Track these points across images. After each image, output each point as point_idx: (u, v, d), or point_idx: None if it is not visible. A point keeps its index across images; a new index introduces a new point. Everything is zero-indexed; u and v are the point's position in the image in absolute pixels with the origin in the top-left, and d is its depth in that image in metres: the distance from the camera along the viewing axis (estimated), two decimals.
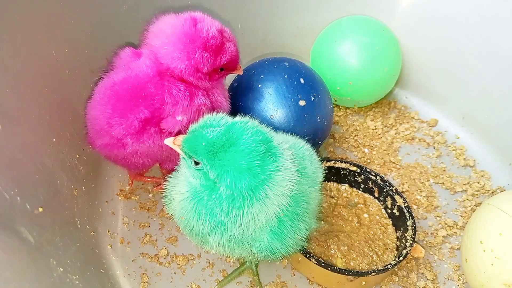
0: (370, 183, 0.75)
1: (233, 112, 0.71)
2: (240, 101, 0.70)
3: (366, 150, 0.86)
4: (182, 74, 0.58)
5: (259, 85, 0.69)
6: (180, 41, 0.57)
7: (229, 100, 0.67)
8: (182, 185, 0.52)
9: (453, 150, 0.88)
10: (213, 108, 0.63)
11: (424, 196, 0.79)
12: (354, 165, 0.75)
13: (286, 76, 0.69)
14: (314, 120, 0.71)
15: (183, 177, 0.52)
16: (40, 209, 0.52)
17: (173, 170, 0.56)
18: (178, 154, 0.51)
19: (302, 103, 0.69)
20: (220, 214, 0.48)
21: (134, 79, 0.58)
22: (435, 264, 0.71)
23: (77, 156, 0.67)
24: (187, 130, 0.50)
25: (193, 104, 0.59)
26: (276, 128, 0.68)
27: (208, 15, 0.60)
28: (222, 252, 0.54)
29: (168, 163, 0.67)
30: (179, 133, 0.60)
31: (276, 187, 0.47)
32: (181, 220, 0.53)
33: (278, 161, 0.48)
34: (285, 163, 0.49)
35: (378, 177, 0.74)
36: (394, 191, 0.72)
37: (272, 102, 0.68)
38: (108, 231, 0.69)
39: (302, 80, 0.70)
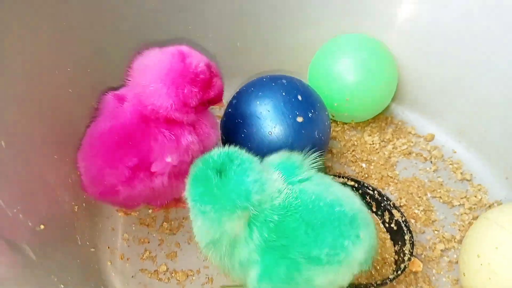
0: (367, 197, 0.75)
1: (233, 129, 0.72)
2: (239, 118, 0.71)
3: (363, 165, 0.87)
4: (168, 112, 0.58)
5: (258, 102, 0.70)
6: (169, 76, 0.56)
7: (217, 128, 0.68)
8: None
9: (450, 164, 0.88)
10: (202, 141, 0.63)
11: (421, 210, 0.80)
12: (352, 179, 0.76)
13: (284, 93, 0.71)
14: (312, 136, 0.72)
15: None
16: (42, 226, 0.53)
17: (162, 206, 0.57)
18: (168, 192, 0.54)
19: (300, 119, 0.70)
20: None
21: (120, 128, 0.58)
22: (433, 278, 0.71)
23: (78, 173, 0.68)
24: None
25: (180, 145, 0.60)
26: (275, 144, 0.69)
27: (194, 48, 0.60)
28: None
29: (157, 201, 0.67)
30: (171, 172, 0.61)
31: None
32: None
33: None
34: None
35: (375, 192, 0.74)
36: (392, 205, 0.72)
37: (271, 119, 0.69)
38: (108, 247, 0.70)
39: (300, 97, 0.71)
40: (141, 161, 0.58)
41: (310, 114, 0.71)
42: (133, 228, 0.74)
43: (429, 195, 0.83)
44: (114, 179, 0.58)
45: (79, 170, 0.62)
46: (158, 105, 0.57)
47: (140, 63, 0.59)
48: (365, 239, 0.51)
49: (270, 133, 0.69)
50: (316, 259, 0.49)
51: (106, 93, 0.63)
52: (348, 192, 0.56)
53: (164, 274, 0.68)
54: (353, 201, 0.54)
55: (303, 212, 0.50)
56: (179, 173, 0.61)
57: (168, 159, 0.59)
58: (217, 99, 0.63)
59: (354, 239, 0.50)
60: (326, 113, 0.76)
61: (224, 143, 0.76)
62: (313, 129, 0.72)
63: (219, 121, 0.72)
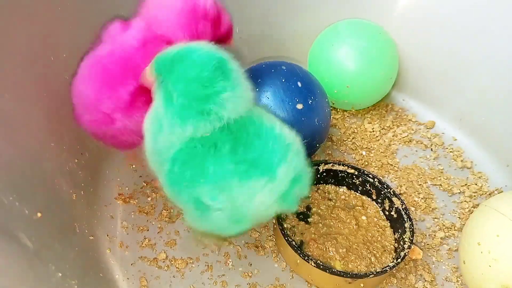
0: (368, 185, 0.75)
1: None
2: None
3: (363, 153, 0.87)
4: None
5: (257, 89, 0.69)
6: (183, 11, 0.58)
7: None
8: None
9: (450, 152, 0.88)
10: None
11: (421, 198, 0.79)
12: (352, 167, 0.75)
13: (283, 80, 0.70)
14: (312, 123, 0.71)
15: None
16: (39, 214, 0.52)
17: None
18: None
19: (299, 106, 0.69)
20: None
21: (120, 52, 0.58)
22: (433, 265, 0.71)
23: (76, 160, 0.67)
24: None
25: None
26: None
27: None
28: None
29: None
30: None
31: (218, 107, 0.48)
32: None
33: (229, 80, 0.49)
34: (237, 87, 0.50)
35: (375, 179, 0.74)
36: (392, 193, 0.72)
37: (270, 106, 0.69)
38: (107, 235, 0.69)
39: (299, 84, 0.70)
40: (140, 86, 0.57)
41: (310, 101, 0.70)
42: (132, 216, 0.74)
43: (429, 182, 0.82)
44: (112, 104, 0.56)
45: (73, 99, 0.59)
46: (170, 35, 0.59)
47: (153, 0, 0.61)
48: (292, 163, 0.51)
49: None
50: (243, 162, 0.49)
51: (112, 21, 0.62)
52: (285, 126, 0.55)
53: (164, 261, 0.68)
54: (290, 132, 0.54)
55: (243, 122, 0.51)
56: None
57: None
58: (227, 37, 0.65)
59: (282, 158, 0.50)
60: (326, 100, 0.75)
61: None
62: (313, 116, 0.71)
63: None
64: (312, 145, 0.72)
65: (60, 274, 0.50)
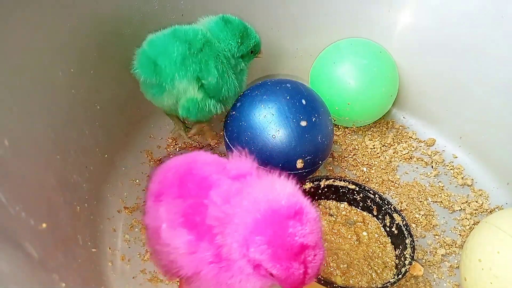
0: (368, 201, 0.75)
1: (236, 131, 0.73)
2: (243, 120, 0.72)
3: (364, 169, 0.87)
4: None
5: (262, 105, 0.71)
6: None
7: None
8: None
9: (451, 169, 0.89)
10: None
11: (422, 215, 0.80)
12: (353, 183, 0.76)
13: (288, 97, 0.71)
14: (315, 140, 0.72)
15: None
16: (44, 225, 0.53)
17: None
18: None
19: (303, 123, 0.70)
20: None
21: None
22: (434, 282, 0.71)
23: (80, 173, 0.68)
24: None
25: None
26: (278, 148, 0.69)
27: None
28: None
29: None
30: None
31: None
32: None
33: None
34: None
35: (376, 196, 0.74)
36: (393, 209, 0.72)
37: (274, 122, 0.70)
38: (109, 248, 0.70)
39: (303, 101, 0.71)
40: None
41: (313, 119, 0.71)
42: (135, 229, 0.74)
43: (430, 199, 0.83)
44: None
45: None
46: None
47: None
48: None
49: (273, 136, 0.69)
50: None
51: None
52: None
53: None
54: None
55: None
56: None
57: None
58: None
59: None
60: (330, 118, 0.77)
61: (227, 146, 0.76)
62: (317, 133, 0.72)
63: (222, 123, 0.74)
64: (314, 162, 0.73)
65: (64, 285, 0.50)
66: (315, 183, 0.75)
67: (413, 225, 0.78)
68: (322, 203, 0.78)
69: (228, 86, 0.72)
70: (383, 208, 0.74)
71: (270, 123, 0.70)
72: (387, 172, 0.87)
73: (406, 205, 0.81)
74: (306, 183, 0.74)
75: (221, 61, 0.71)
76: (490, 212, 0.81)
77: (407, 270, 0.64)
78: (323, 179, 0.76)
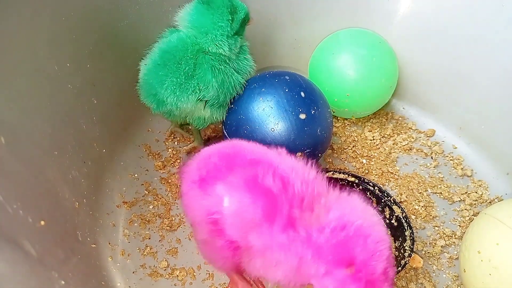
0: (368, 193, 0.75)
1: (235, 125, 0.72)
2: (242, 113, 0.71)
3: (364, 161, 0.87)
4: None
5: (260, 98, 0.70)
6: None
7: None
8: None
9: (451, 160, 0.88)
10: None
11: (422, 206, 0.80)
12: (352, 175, 0.76)
13: (287, 90, 0.70)
14: (314, 133, 0.72)
15: None
16: (42, 222, 0.53)
17: None
18: None
19: (302, 116, 0.70)
20: None
21: None
22: (433, 274, 0.71)
23: (79, 169, 0.68)
24: None
25: None
26: (277, 141, 0.69)
27: None
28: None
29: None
30: None
31: None
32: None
33: None
34: None
35: (376, 188, 0.74)
36: (392, 201, 0.72)
37: (273, 115, 0.69)
38: (109, 243, 0.70)
39: (302, 94, 0.71)
40: None
41: (312, 111, 0.71)
42: (134, 224, 0.74)
43: (429, 191, 0.83)
44: None
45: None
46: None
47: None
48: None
49: (272, 129, 0.69)
50: None
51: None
52: None
53: (165, 270, 0.69)
54: None
55: None
56: None
57: None
58: None
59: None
60: (329, 110, 0.76)
61: (226, 139, 0.76)
62: (316, 126, 0.71)
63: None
64: (314, 154, 0.72)
65: (63, 282, 0.50)
66: None
67: (413, 217, 0.78)
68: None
69: (233, 86, 0.70)
70: (382, 200, 0.73)
71: (269, 116, 0.69)
72: (386, 164, 0.87)
73: (406, 197, 0.81)
74: None
75: (219, 69, 0.67)
76: (490, 202, 0.80)
77: (407, 262, 0.64)
78: (322, 171, 0.75)
